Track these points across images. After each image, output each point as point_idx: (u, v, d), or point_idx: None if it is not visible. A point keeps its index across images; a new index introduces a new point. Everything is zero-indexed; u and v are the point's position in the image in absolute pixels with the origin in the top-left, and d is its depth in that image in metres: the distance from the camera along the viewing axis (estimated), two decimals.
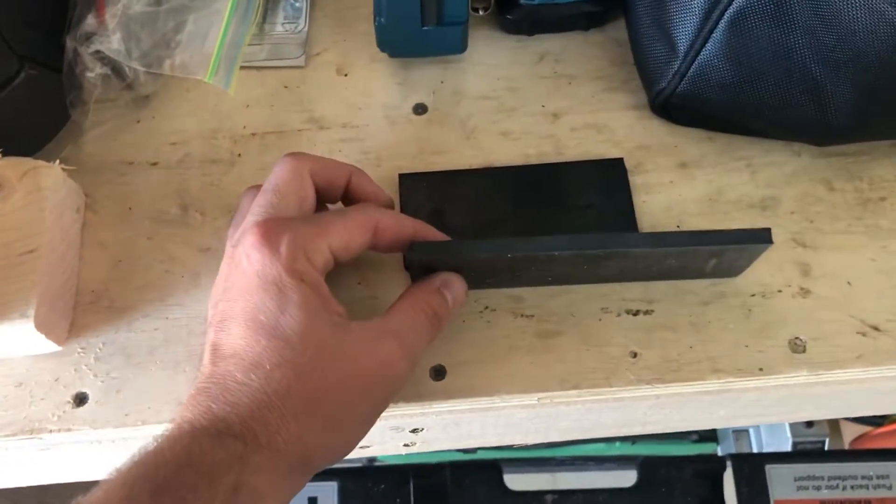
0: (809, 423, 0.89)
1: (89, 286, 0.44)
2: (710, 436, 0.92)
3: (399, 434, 0.45)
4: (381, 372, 0.35)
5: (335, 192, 0.41)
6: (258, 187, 0.39)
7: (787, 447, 0.89)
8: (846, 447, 0.96)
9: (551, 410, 0.42)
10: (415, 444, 0.47)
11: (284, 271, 0.34)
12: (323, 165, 0.40)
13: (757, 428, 0.93)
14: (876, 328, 0.42)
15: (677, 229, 0.44)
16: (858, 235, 0.44)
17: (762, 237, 0.38)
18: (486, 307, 0.43)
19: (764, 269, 0.43)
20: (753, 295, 0.43)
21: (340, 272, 0.42)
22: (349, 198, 0.41)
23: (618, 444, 0.89)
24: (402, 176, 0.46)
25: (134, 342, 0.42)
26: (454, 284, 0.40)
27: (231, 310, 0.34)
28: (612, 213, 0.45)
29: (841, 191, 0.46)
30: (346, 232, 0.37)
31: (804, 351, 0.41)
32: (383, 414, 0.37)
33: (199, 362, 0.40)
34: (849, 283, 0.43)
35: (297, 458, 0.33)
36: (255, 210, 0.37)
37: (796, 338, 0.42)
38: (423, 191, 0.46)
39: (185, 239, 0.45)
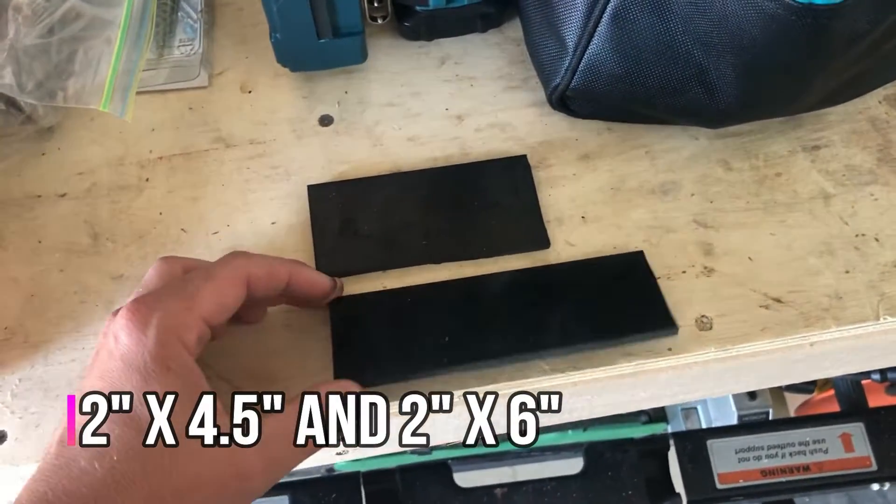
0: (752, 396, 0.91)
1: (3, 323, 0.43)
2: (659, 416, 0.93)
3: None
4: (235, 484, 0.33)
5: (273, 297, 0.39)
6: (171, 260, 0.37)
7: (734, 420, 0.91)
8: (792, 415, 0.98)
9: None
10: (347, 451, 0.48)
11: (150, 358, 0.32)
12: (264, 274, 0.37)
13: (704, 404, 0.95)
14: (778, 300, 0.43)
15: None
16: (757, 212, 0.46)
17: (668, 329, 0.42)
18: None
19: (668, 252, 0.44)
20: (659, 277, 0.44)
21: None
22: (290, 294, 0.40)
23: (570, 431, 0.90)
24: (310, 187, 0.46)
25: (51, 375, 0.42)
26: None
27: (90, 388, 0.33)
28: (519, 210, 0.45)
29: (738, 170, 0.47)
30: (217, 295, 0.35)
31: (711, 328, 0.43)
32: None
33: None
34: (750, 258, 0.45)
35: None
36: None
37: (702, 316, 0.43)
38: (332, 201, 0.46)
39: (97, 268, 0.45)
